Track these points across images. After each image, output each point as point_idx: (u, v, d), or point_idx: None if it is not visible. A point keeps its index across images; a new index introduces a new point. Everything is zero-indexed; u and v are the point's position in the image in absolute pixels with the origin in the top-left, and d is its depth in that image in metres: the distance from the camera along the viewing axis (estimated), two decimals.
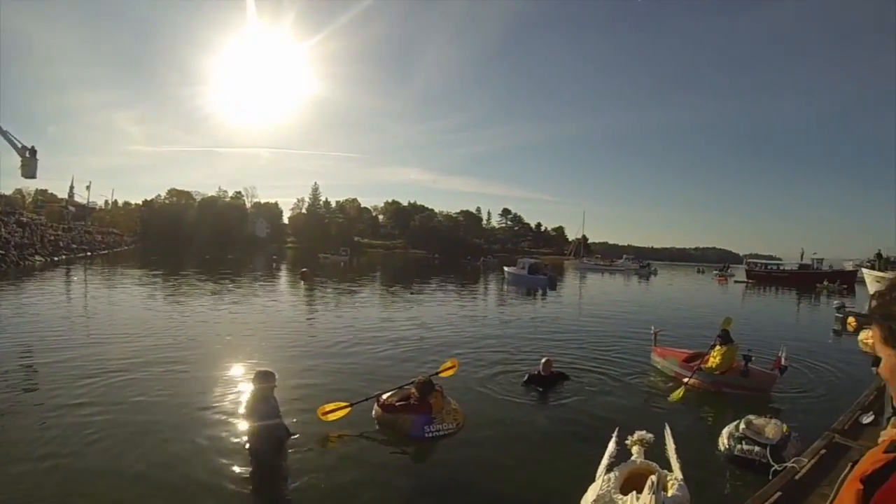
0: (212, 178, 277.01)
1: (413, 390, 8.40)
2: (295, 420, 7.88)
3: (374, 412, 8.43)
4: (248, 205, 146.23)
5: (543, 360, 11.26)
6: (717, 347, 11.11)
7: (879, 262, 49.53)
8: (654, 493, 4.73)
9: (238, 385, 10.00)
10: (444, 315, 22.70)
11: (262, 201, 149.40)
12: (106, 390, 9.40)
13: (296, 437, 7.40)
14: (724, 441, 7.44)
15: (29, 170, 39.40)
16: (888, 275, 44.24)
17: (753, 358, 11.06)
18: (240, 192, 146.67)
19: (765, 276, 71.92)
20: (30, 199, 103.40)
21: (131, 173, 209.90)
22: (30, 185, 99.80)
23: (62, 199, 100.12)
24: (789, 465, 6.04)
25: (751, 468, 6.89)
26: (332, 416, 8.07)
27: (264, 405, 6.92)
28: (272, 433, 6.86)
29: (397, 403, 8.27)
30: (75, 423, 7.76)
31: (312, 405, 8.43)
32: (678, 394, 10.52)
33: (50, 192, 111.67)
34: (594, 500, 5.12)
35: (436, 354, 13.50)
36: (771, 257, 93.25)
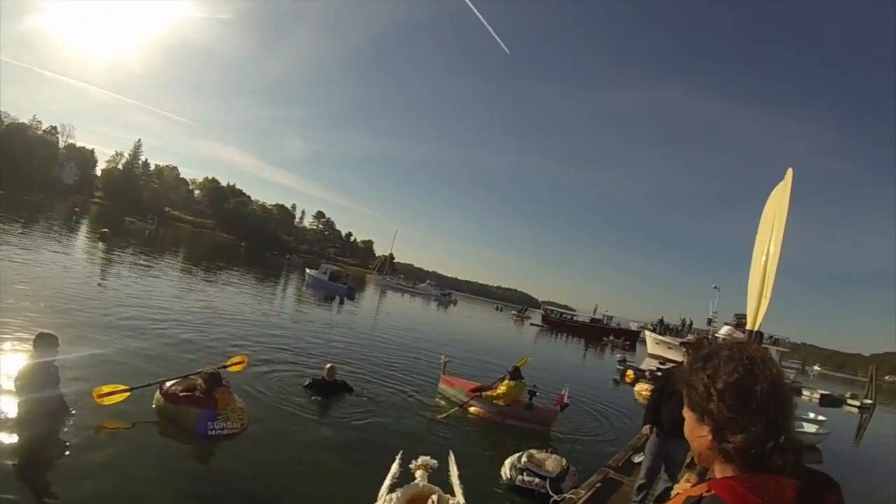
0: (32, 102, 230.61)
1: (199, 381, 7.94)
2: (69, 398, 7.08)
3: (155, 400, 7.92)
4: (62, 144, 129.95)
5: (328, 365, 11.36)
6: (506, 381, 11.71)
7: (660, 327, 57.97)
8: None
9: (6, 346, 9.00)
10: (240, 305, 22.21)
11: (78, 144, 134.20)
12: None
13: (73, 413, 6.84)
14: (506, 471, 7.82)
15: None
16: (666, 338, 50.52)
17: (538, 393, 11.92)
18: (55, 128, 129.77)
19: (559, 323, 78.21)
20: None
21: None
22: None
23: None
24: (567, 496, 6.49)
25: (531, 498, 7.35)
26: (108, 400, 7.39)
27: (44, 375, 6.36)
28: (50, 407, 6.34)
29: (181, 394, 7.77)
30: None
31: (88, 382, 7.79)
32: (446, 413, 11.18)
33: None
34: None
35: (225, 344, 13.20)
36: (567, 307, 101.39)
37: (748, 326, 4.56)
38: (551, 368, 23.04)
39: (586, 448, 10.94)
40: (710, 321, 55.70)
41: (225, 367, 9.11)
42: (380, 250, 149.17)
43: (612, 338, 63.98)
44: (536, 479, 7.41)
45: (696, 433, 1.38)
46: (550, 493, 7.09)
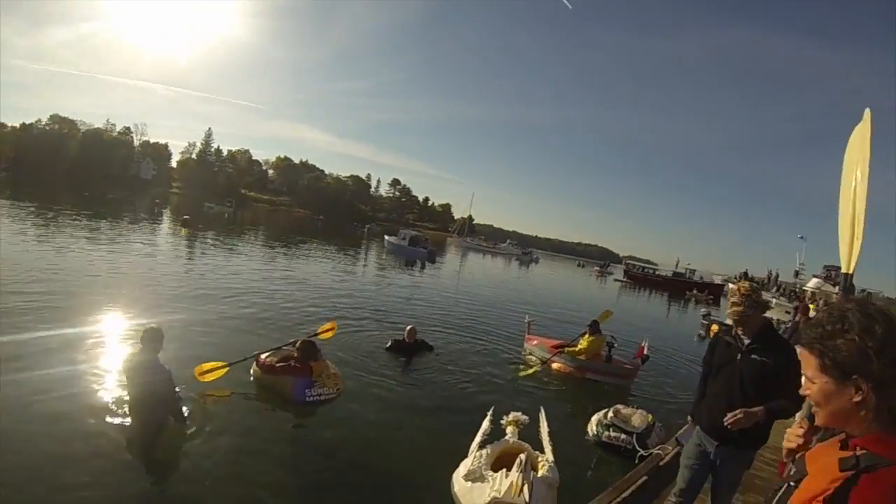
0: (101, 108, 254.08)
1: (294, 352, 8.18)
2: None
3: (252, 372, 8.20)
4: (137, 143, 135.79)
5: (409, 327, 11.56)
6: (586, 336, 11.69)
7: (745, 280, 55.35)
8: (522, 472, 4.89)
9: (112, 339, 9.23)
10: (323, 276, 22.78)
11: (152, 141, 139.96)
12: None
13: (180, 388, 6.65)
14: (592, 427, 7.83)
15: None
16: None
17: (616, 345, 11.83)
18: (129, 128, 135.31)
19: (641, 278, 76.55)
20: None
21: (10, 92, 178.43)
22: None
23: None
24: (654, 451, 6.46)
25: (618, 454, 7.31)
26: (209, 377, 7.62)
27: (150, 366, 6.10)
28: (159, 388, 6.05)
29: (278, 365, 8.00)
30: None
31: (188, 362, 7.90)
32: (530, 370, 11.21)
33: None
34: (465, 475, 5.22)
35: (313, 315, 13.47)
36: (648, 261, 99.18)
37: (843, 269, 4.18)
38: (634, 323, 22.55)
39: (671, 403, 10.78)
40: (797, 273, 53.43)
41: (316, 334, 9.31)
42: (458, 213, 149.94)
43: (695, 292, 62.19)
44: (623, 435, 7.39)
45: (837, 397, 1.36)
46: (637, 448, 7.08)
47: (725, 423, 3.49)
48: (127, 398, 6.40)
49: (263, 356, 8.26)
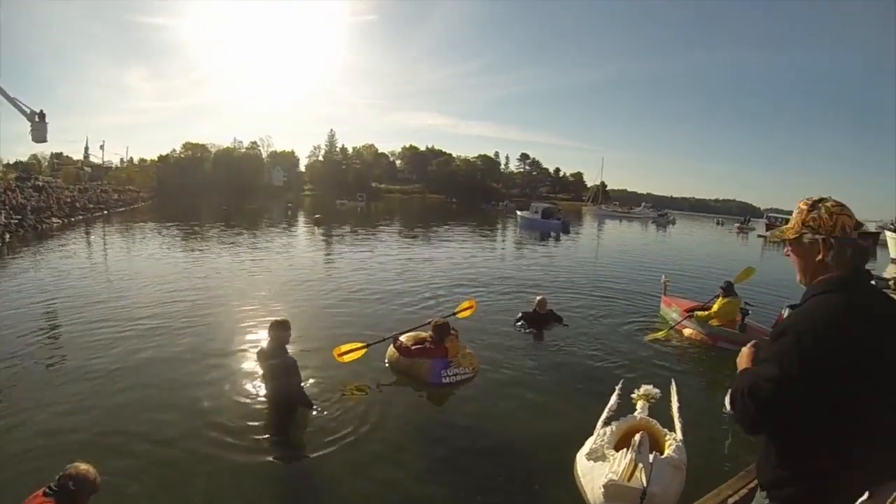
0: (226, 129, 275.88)
1: (429, 333, 8.07)
2: (311, 363, 7.64)
3: (388, 355, 8.18)
4: (265, 154, 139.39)
5: (539, 298, 11.10)
6: (720, 298, 10.52)
7: None
8: (636, 452, 4.52)
9: (255, 333, 9.55)
10: (458, 257, 22.79)
11: (279, 150, 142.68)
12: (123, 342, 8.88)
13: (315, 410, 6.57)
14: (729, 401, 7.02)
15: (39, 134, 38.03)
16: None
17: (751, 312, 10.43)
18: (255, 143, 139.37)
19: None
20: (46, 164, 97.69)
21: (145, 130, 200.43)
22: (45, 150, 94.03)
23: (78, 161, 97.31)
24: None
25: None
26: (347, 357, 7.77)
27: (279, 365, 6.26)
28: (289, 397, 6.32)
29: (413, 347, 7.93)
30: (94, 372, 7.55)
31: (328, 347, 8.13)
32: (657, 334, 10.43)
33: (66, 154, 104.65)
34: (587, 454, 4.96)
35: (449, 295, 13.46)
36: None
37: None
38: (777, 283, 20.49)
39: None
40: None
41: (454, 314, 9.20)
42: (590, 181, 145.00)
43: None
44: None
45: None
46: None
47: None
48: (261, 387, 6.78)
49: (401, 338, 8.21)
